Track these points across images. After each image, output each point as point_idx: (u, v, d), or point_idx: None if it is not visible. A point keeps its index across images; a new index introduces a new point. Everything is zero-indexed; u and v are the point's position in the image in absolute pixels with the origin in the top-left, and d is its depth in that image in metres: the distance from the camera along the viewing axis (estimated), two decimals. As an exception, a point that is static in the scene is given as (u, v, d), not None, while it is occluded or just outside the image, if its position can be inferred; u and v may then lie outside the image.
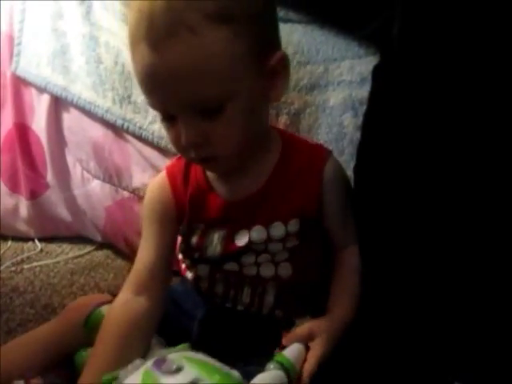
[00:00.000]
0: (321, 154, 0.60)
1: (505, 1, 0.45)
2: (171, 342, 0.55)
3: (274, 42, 0.55)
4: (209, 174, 0.60)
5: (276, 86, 0.54)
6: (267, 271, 0.59)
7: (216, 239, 0.58)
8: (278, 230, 0.57)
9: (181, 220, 0.60)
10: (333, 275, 0.60)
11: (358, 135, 0.64)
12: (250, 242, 0.57)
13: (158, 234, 0.60)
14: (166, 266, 0.60)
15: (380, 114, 0.55)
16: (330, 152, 0.61)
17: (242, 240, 0.57)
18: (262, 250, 0.58)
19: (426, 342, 0.52)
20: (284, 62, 0.54)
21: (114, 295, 0.59)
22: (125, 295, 0.57)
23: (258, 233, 0.57)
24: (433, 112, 0.51)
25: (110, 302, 0.58)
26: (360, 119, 0.66)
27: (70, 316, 0.59)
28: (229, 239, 0.58)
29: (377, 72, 0.55)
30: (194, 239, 0.59)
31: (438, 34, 0.49)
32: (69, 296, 0.78)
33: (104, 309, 0.57)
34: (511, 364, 0.48)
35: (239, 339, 0.59)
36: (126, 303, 0.57)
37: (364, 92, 0.64)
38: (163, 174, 0.62)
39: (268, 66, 0.53)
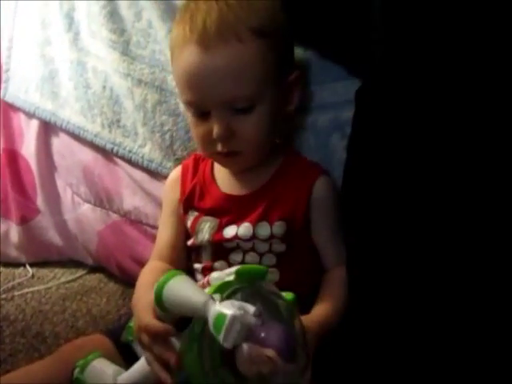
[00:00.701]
0: (315, 171, 0.65)
1: (478, 26, 0.46)
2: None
3: (292, 60, 0.65)
4: (215, 169, 0.67)
5: (291, 101, 0.64)
6: None
7: (207, 227, 0.64)
8: (263, 229, 0.61)
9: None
10: (320, 289, 0.62)
11: (345, 155, 0.65)
12: (237, 236, 0.62)
13: (170, 215, 0.69)
14: (182, 239, 0.67)
15: (365, 137, 0.56)
16: (324, 172, 0.66)
17: (229, 233, 0.62)
18: (249, 248, 0.62)
19: (424, 346, 0.52)
20: (300, 79, 0.64)
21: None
22: (150, 263, 0.66)
23: (244, 229, 0.62)
24: (417, 133, 0.52)
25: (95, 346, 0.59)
26: (347, 140, 0.66)
27: (64, 359, 0.59)
28: (218, 230, 0.63)
29: (360, 96, 0.55)
30: (189, 223, 0.66)
31: (422, 57, 0.50)
32: (60, 323, 0.77)
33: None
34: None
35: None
36: (152, 265, 0.65)
37: (350, 113, 0.65)
38: (179, 166, 0.72)
39: (287, 81, 0.63)
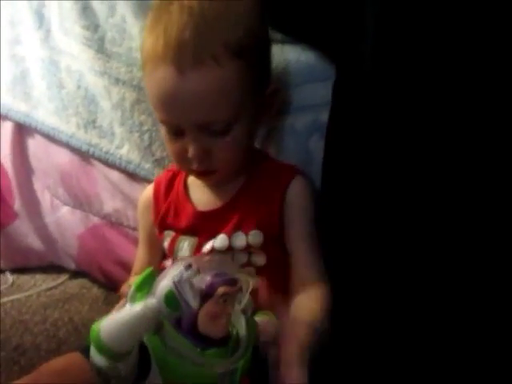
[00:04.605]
0: (289, 172, 0.62)
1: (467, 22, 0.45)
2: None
3: (269, 74, 0.63)
4: (189, 184, 0.65)
5: (268, 113, 0.63)
6: None
7: (186, 245, 0.62)
8: (239, 239, 0.59)
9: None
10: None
11: None
12: (213, 248, 0.59)
13: (145, 236, 0.70)
14: (158, 259, 0.67)
15: (343, 127, 0.54)
16: (299, 172, 0.63)
17: (206, 247, 0.60)
18: None
19: (424, 346, 0.51)
20: (276, 93, 0.63)
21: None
22: (129, 280, 0.66)
23: (220, 240, 0.59)
24: (398, 126, 0.51)
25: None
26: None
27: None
28: (198, 247, 0.61)
29: (337, 87, 0.54)
30: (166, 244, 0.64)
31: (411, 51, 0.49)
32: (41, 334, 0.74)
33: None
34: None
35: None
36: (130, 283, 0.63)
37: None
38: (151, 185, 0.70)
39: (264, 95, 0.61)
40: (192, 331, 0.43)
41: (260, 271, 0.59)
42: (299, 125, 0.68)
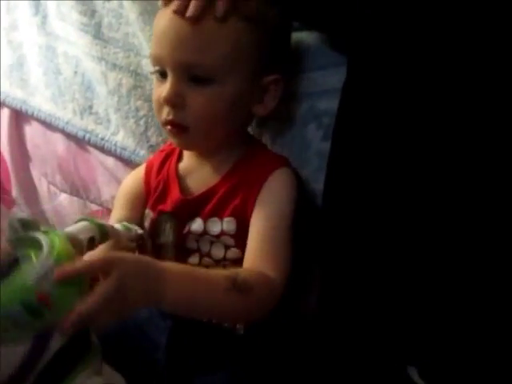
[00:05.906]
0: (274, 164, 0.61)
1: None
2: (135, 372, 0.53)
3: (277, 65, 0.61)
4: (180, 167, 0.64)
5: (262, 103, 0.61)
6: None
7: (168, 228, 0.62)
8: (214, 225, 0.59)
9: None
10: None
11: (322, 146, 0.64)
12: (189, 231, 0.60)
13: (122, 206, 0.67)
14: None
15: (351, 126, 0.54)
16: (285, 165, 0.61)
17: (185, 229, 0.61)
18: (205, 253, 0.60)
19: (379, 327, 0.51)
20: (277, 85, 0.61)
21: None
22: None
23: (196, 224, 0.60)
24: (406, 123, 0.51)
25: None
26: (323, 130, 0.65)
27: None
28: (180, 229, 0.61)
29: (347, 84, 0.53)
30: (146, 223, 0.64)
31: (418, 47, 0.48)
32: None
33: None
34: (465, 349, 0.48)
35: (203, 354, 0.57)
36: None
37: (326, 104, 0.63)
38: (142, 165, 0.69)
39: (262, 81, 0.60)
40: None
41: (235, 265, 0.59)
42: (296, 113, 0.67)
